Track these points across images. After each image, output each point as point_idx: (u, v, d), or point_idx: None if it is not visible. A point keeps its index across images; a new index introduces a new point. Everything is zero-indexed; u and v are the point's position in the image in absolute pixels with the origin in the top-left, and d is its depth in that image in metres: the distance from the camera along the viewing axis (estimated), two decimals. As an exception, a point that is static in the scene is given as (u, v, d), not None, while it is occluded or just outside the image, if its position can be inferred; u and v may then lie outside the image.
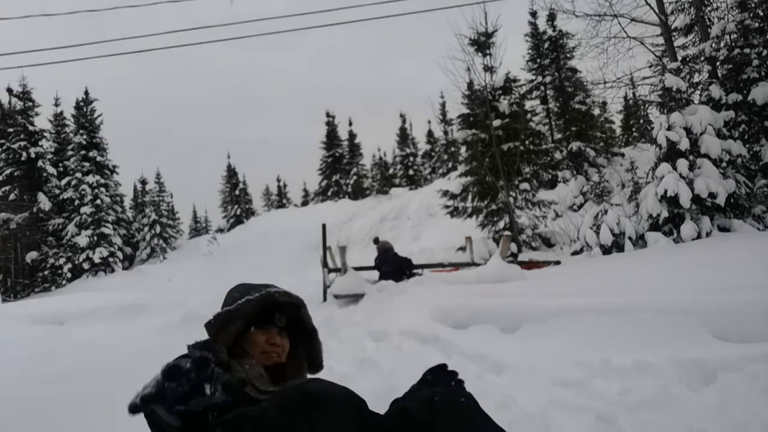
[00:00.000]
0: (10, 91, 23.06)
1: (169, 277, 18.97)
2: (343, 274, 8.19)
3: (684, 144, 8.67)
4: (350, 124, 33.56)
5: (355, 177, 31.23)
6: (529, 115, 17.41)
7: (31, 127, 22.90)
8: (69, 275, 21.55)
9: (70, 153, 23.89)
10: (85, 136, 23.40)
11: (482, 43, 13.44)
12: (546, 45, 19.19)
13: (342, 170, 31.82)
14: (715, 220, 8.62)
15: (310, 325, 1.52)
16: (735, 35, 10.75)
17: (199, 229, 40.42)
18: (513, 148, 13.15)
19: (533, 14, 19.51)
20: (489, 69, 13.50)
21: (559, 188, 15.80)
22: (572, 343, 3.17)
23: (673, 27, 12.79)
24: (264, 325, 1.42)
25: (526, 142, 13.97)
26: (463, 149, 14.75)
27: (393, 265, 8.54)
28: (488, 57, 13.49)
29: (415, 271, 8.72)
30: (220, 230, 31.91)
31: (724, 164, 8.84)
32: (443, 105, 32.33)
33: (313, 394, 1.02)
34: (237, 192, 35.61)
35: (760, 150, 9.86)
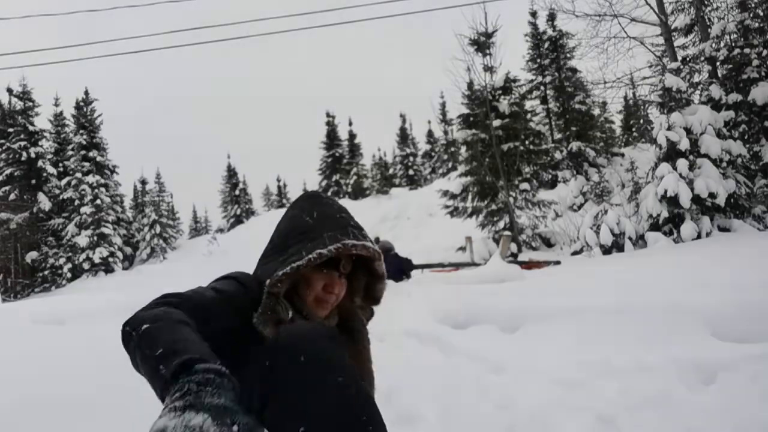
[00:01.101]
0: (10, 91, 23.09)
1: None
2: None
3: (684, 144, 8.67)
4: (350, 124, 33.61)
5: (355, 177, 31.24)
6: (529, 115, 17.42)
7: (31, 127, 22.92)
8: (69, 275, 21.56)
9: (70, 153, 23.91)
10: (85, 136, 23.42)
11: (482, 43, 13.46)
12: (546, 45, 19.20)
13: (342, 170, 31.83)
14: (715, 220, 8.63)
15: (380, 272, 1.31)
16: (735, 35, 10.75)
17: (199, 229, 40.45)
18: (513, 148, 13.16)
19: (533, 14, 19.52)
20: (489, 69, 13.52)
21: (559, 188, 15.80)
22: (572, 343, 3.17)
23: (673, 27, 12.79)
24: (327, 269, 1.22)
25: (526, 142, 13.99)
26: (463, 149, 14.76)
27: (393, 265, 8.54)
28: (488, 57, 13.51)
29: (415, 270, 8.73)
30: (220, 230, 31.93)
31: (724, 164, 8.85)
32: (443, 105, 32.35)
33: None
34: (237, 192, 35.64)
35: (760, 150, 9.86)
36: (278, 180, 39.92)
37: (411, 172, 33.01)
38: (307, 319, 1.21)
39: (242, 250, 20.80)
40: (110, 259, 22.03)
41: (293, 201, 1.37)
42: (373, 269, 1.31)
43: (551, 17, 18.73)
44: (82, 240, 21.60)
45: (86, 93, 24.24)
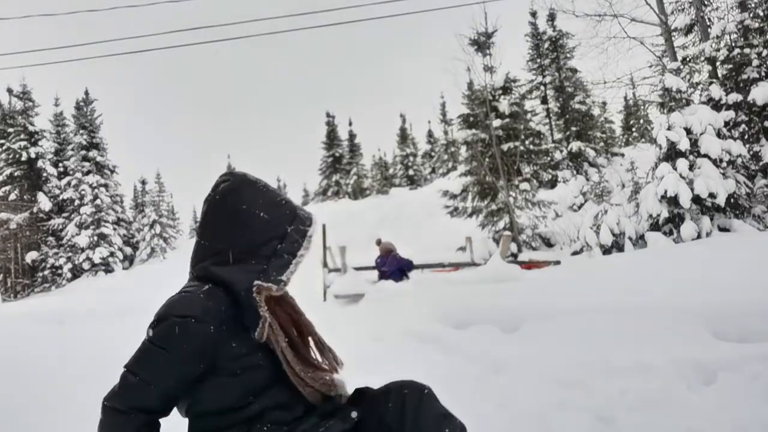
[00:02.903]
0: (10, 91, 23.09)
1: None
2: (343, 274, 8.18)
3: (684, 144, 8.67)
4: (350, 124, 33.57)
5: (355, 177, 31.22)
6: (529, 115, 17.42)
7: (31, 127, 22.90)
8: (69, 275, 21.55)
9: (70, 153, 23.91)
10: (85, 136, 23.42)
11: (482, 43, 13.47)
12: (546, 45, 19.20)
13: (342, 170, 31.81)
14: (715, 220, 8.63)
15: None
16: (735, 35, 10.75)
17: (199, 229, 40.37)
18: (513, 148, 13.17)
19: (533, 14, 19.53)
20: (489, 69, 13.53)
21: (559, 188, 15.79)
22: (572, 343, 3.17)
23: (673, 27, 12.80)
24: None
25: (526, 142, 13.99)
26: (463, 149, 14.76)
27: (393, 266, 8.56)
28: (488, 57, 13.53)
29: (415, 271, 8.73)
30: (221, 230, 31.86)
31: (724, 164, 8.84)
32: (443, 105, 32.39)
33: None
34: (237, 192, 35.57)
35: (760, 150, 9.85)
36: (278, 180, 39.86)
37: (411, 172, 32.96)
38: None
39: (242, 250, 20.68)
40: (110, 259, 22.02)
41: (225, 189, 1.32)
42: None
43: (551, 17, 18.74)
44: (82, 240, 21.58)
45: (86, 93, 24.23)
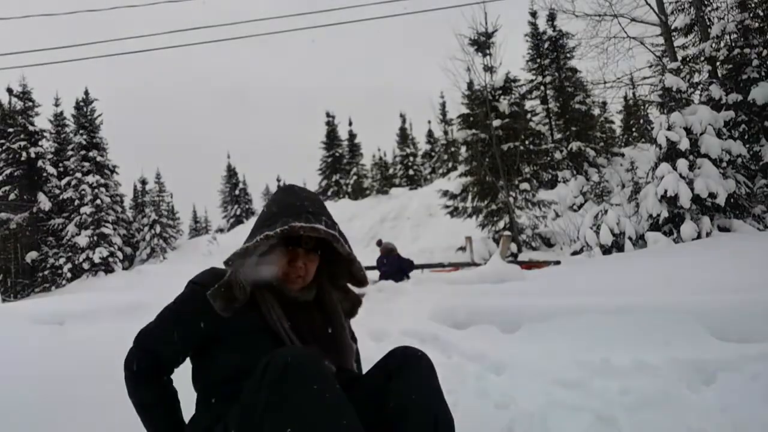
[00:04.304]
0: (10, 91, 23.08)
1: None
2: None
3: (684, 144, 8.68)
4: (350, 124, 33.59)
5: (355, 177, 31.23)
6: (529, 115, 17.43)
7: (31, 127, 22.90)
8: (69, 275, 21.55)
9: (70, 153, 23.90)
10: (85, 136, 23.42)
11: (482, 43, 13.48)
12: (546, 45, 19.21)
13: (342, 170, 31.81)
14: (715, 220, 8.63)
15: (345, 253, 1.43)
16: (735, 35, 10.75)
17: (199, 229, 40.44)
18: (513, 148, 13.17)
19: (533, 14, 19.54)
20: (489, 69, 13.54)
21: (559, 188, 15.79)
22: (572, 343, 3.16)
23: (673, 27, 12.79)
24: (288, 246, 1.36)
25: (526, 142, 14.00)
26: (463, 149, 14.77)
27: (394, 266, 8.56)
28: (488, 57, 13.55)
29: (415, 270, 8.74)
30: (220, 230, 31.94)
31: (724, 164, 8.85)
32: (443, 105, 32.37)
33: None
34: (237, 192, 35.66)
35: (760, 150, 9.85)
36: (278, 180, 39.82)
37: (411, 172, 32.96)
38: (280, 291, 1.38)
39: (242, 250, 20.67)
40: (110, 259, 22.02)
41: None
42: (337, 251, 1.43)
43: (551, 17, 18.75)
44: (82, 240, 21.59)
45: (86, 93, 24.23)
